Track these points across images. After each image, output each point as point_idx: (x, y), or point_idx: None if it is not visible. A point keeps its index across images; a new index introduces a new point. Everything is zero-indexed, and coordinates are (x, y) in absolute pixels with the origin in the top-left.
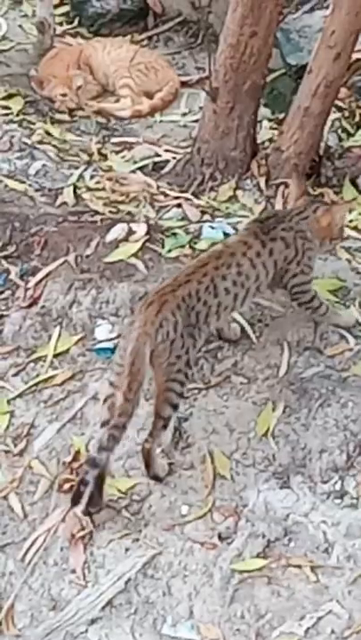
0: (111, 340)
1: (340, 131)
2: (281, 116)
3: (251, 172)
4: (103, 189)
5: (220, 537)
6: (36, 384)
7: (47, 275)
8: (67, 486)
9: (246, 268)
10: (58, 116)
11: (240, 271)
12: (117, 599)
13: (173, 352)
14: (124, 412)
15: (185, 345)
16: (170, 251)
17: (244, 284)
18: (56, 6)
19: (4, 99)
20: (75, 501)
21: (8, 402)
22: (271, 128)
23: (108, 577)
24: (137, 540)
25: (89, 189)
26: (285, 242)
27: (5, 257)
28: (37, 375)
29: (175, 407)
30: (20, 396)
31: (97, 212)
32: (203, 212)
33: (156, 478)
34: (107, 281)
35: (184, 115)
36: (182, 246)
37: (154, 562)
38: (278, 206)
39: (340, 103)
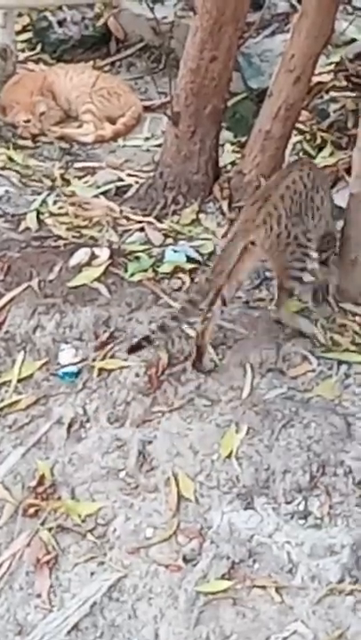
0: (75, 364)
1: (301, 153)
2: (243, 139)
3: (213, 195)
4: (66, 214)
5: (184, 559)
6: (0, 409)
7: (11, 300)
8: (32, 511)
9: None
10: (20, 142)
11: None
12: (83, 623)
13: (281, 244)
14: (201, 290)
15: (292, 234)
16: (133, 275)
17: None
18: (18, 33)
19: None
20: (131, 351)
21: None
22: (233, 151)
23: (74, 601)
24: (102, 563)
25: (52, 214)
26: None
27: None
28: (2, 400)
29: (299, 280)
30: None
31: (60, 237)
32: (165, 236)
33: (201, 370)
34: (70, 305)
35: (147, 139)
36: (145, 270)
37: (119, 585)
38: None
39: (301, 126)
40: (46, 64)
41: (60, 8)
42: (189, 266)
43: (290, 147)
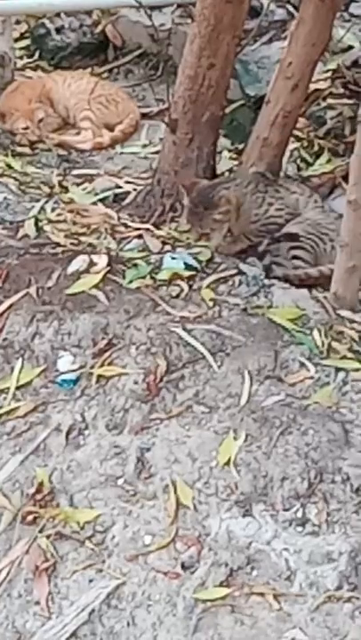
0: (73, 371)
1: (298, 160)
2: (240, 146)
3: None
4: (64, 221)
5: (183, 566)
6: None
7: (9, 307)
8: (30, 518)
9: None
10: (19, 149)
11: None
12: (81, 630)
13: None
14: None
15: None
16: (131, 282)
17: None
18: (16, 40)
19: None
20: None
21: None
22: (231, 158)
23: (72, 608)
24: (100, 570)
25: (50, 222)
26: None
27: None
28: (0, 407)
29: None
30: None
31: (58, 244)
32: (164, 243)
33: None
34: (68, 312)
35: (145, 146)
36: (143, 277)
37: (118, 592)
38: None
39: (298, 133)
40: (44, 71)
41: (57, 15)
42: (187, 273)
43: (287, 154)
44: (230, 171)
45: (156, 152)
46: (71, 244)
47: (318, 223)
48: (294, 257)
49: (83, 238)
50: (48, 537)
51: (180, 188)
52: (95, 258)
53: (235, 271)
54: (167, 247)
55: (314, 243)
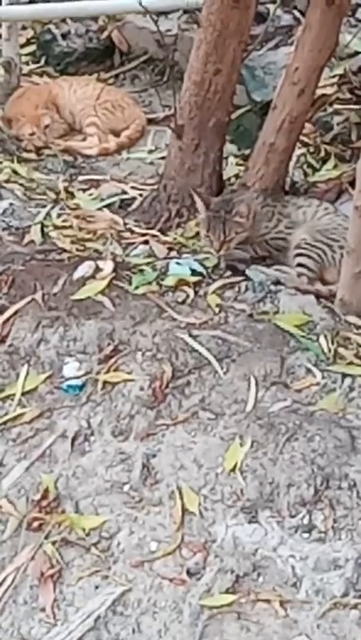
0: (79, 377)
1: (305, 166)
2: (247, 152)
3: None
4: (70, 227)
5: (188, 573)
6: (4, 422)
7: (15, 313)
8: (36, 524)
9: None
10: (25, 155)
11: None
12: (87, 637)
13: None
14: None
15: None
16: (137, 287)
17: None
18: (22, 46)
19: None
20: None
21: None
22: (237, 164)
23: (78, 615)
24: (106, 577)
25: (56, 227)
26: None
27: None
28: (6, 413)
29: None
30: None
31: (64, 250)
32: (170, 249)
33: None
34: (74, 318)
35: (151, 152)
36: (149, 283)
37: (123, 599)
38: None
39: (305, 139)
40: (50, 77)
41: (63, 21)
42: (193, 279)
43: (293, 159)
44: (237, 177)
45: (163, 158)
46: (77, 249)
47: (327, 229)
48: (299, 264)
49: (89, 244)
50: (54, 543)
51: (197, 202)
52: (101, 264)
53: (241, 277)
54: (173, 253)
55: (321, 251)
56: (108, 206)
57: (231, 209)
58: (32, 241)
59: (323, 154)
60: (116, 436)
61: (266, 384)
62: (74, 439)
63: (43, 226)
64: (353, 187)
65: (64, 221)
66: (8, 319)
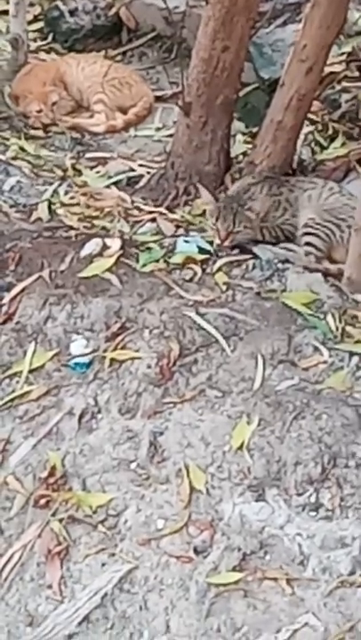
0: (86, 355)
1: (313, 144)
2: (255, 129)
3: (225, 185)
4: (78, 205)
5: (195, 551)
6: (11, 400)
7: (22, 290)
8: (43, 502)
9: None
10: (32, 132)
11: None
12: (94, 614)
13: None
14: None
15: None
16: (144, 265)
17: None
18: (30, 22)
19: None
20: None
21: None
22: (245, 142)
23: (85, 592)
24: (113, 554)
25: (63, 205)
26: None
27: None
28: (13, 391)
29: None
30: None
31: (71, 228)
32: (177, 227)
33: None
34: (81, 296)
35: (158, 129)
36: (157, 260)
37: (130, 576)
38: None
39: (312, 116)
40: (58, 54)
41: None
42: (201, 256)
43: (301, 137)
44: (244, 154)
45: (170, 135)
46: (84, 227)
47: (334, 209)
48: (307, 243)
49: (96, 222)
50: (60, 521)
51: (203, 193)
52: (108, 241)
53: (248, 255)
54: (181, 230)
55: (329, 230)
56: (115, 184)
57: (245, 203)
58: (39, 218)
59: (331, 131)
60: (123, 413)
61: (273, 362)
62: (81, 417)
63: (50, 203)
64: None
65: (71, 199)
66: (15, 296)
